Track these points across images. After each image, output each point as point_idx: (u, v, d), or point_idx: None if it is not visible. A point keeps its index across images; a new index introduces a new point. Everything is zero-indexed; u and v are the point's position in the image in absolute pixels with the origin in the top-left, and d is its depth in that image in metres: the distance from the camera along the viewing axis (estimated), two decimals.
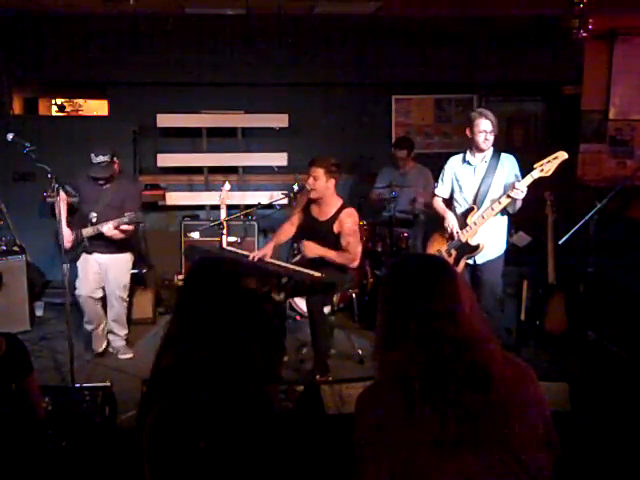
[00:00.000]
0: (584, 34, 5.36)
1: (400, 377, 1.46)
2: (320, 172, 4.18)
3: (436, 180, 4.63)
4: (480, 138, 4.13)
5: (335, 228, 4.21)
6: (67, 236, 4.28)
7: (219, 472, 1.45)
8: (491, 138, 4.15)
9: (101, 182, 4.37)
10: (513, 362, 1.56)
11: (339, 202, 4.31)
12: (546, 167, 3.96)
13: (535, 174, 3.97)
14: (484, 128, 4.11)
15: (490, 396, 1.42)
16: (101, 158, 4.27)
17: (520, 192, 3.98)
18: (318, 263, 4.17)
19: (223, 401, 1.47)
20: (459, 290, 1.52)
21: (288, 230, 4.55)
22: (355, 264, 4.24)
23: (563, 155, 3.94)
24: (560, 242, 4.54)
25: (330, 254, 4.17)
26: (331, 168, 4.20)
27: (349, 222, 4.19)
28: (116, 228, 4.27)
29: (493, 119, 4.13)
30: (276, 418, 1.53)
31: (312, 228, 4.36)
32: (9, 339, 2.27)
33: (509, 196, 4.03)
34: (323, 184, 4.20)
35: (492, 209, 4.14)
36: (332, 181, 4.23)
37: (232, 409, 1.47)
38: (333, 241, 4.20)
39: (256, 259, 4.30)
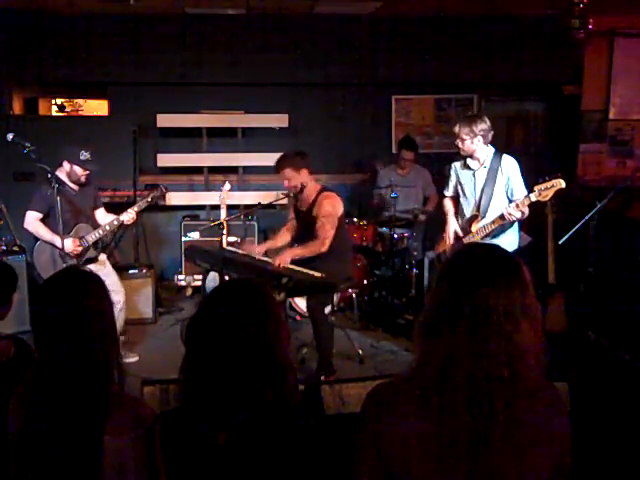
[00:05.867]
0: (584, 34, 5.37)
1: (434, 375, 1.38)
2: (288, 172, 4.25)
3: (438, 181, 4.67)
4: (456, 142, 4.17)
5: (314, 212, 4.28)
6: (69, 242, 4.25)
7: (239, 468, 1.45)
8: (465, 143, 4.12)
9: (82, 182, 4.36)
10: (546, 384, 1.48)
11: (318, 187, 4.38)
12: (543, 193, 3.96)
13: (533, 197, 3.97)
14: (456, 132, 4.14)
15: (512, 421, 1.36)
16: (88, 155, 4.27)
17: (513, 217, 4.02)
18: (317, 263, 4.18)
19: (243, 395, 1.46)
20: (527, 297, 1.41)
21: (284, 235, 4.62)
22: (324, 249, 4.21)
23: (560, 184, 3.92)
24: (560, 242, 4.54)
25: (297, 252, 4.25)
26: (295, 161, 4.26)
27: (325, 204, 4.24)
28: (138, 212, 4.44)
29: (468, 123, 4.10)
30: (293, 413, 1.52)
31: (302, 222, 4.45)
32: (17, 343, 2.27)
33: (503, 218, 4.07)
34: (297, 180, 4.26)
35: (494, 223, 4.16)
36: (303, 171, 4.28)
37: (252, 402, 1.47)
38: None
39: (247, 251, 4.44)
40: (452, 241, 4.35)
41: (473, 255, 1.49)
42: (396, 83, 6.82)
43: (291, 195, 4.44)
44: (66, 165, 4.30)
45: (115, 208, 4.77)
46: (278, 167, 4.30)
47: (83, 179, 4.34)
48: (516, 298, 1.39)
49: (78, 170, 4.29)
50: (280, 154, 4.39)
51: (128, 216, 4.43)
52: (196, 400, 1.50)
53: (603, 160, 6.86)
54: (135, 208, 4.46)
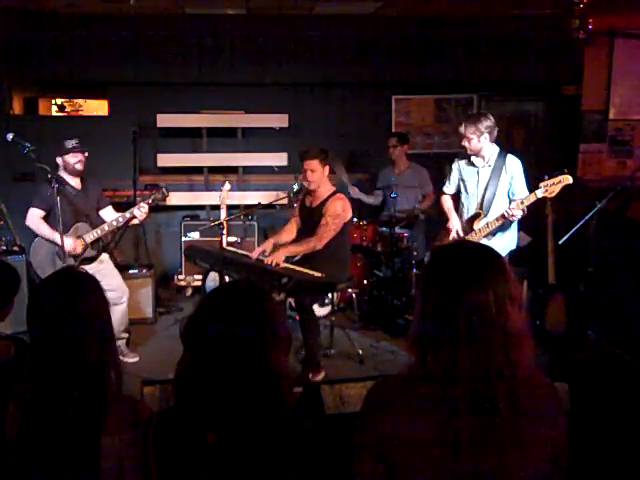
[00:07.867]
0: (584, 34, 5.37)
1: (438, 375, 1.38)
2: (316, 163, 4.31)
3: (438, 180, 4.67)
4: (463, 142, 4.18)
5: (323, 210, 4.32)
6: (70, 241, 4.24)
7: (227, 469, 1.45)
8: (472, 142, 4.12)
9: (80, 170, 4.33)
10: (542, 378, 1.49)
11: (332, 188, 4.46)
12: (550, 189, 3.96)
13: (539, 193, 3.98)
14: (461, 132, 4.16)
15: (514, 413, 1.36)
16: (74, 142, 4.26)
17: (514, 217, 4.04)
18: (317, 264, 4.18)
19: (232, 398, 1.46)
20: (509, 283, 1.43)
21: (289, 231, 4.62)
22: (319, 246, 4.24)
23: (568, 180, 3.94)
24: (560, 242, 4.54)
25: (291, 249, 4.32)
26: (323, 156, 4.35)
27: (336, 204, 4.31)
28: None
29: (474, 122, 4.11)
30: (287, 417, 1.51)
31: (308, 218, 4.46)
32: (17, 343, 2.27)
33: (504, 217, 4.08)
34: (320, 174, 4.34)
35: (496, 220, 4.17)
36: (326, 168, 4.39)
37: (242, 405, 1.46)
38: None
39: (255, 257, 4.35)
40: (459, 237, 4.33)
41: (451, 258, 1.49)
42: (396, 83, 6.82)
43: (291, 195, 4.44)
44: (59, 160, 4.31)
45: (115, 208, 4.77)
46: (308, 156, 4.32)
47: (79, 166, 4.31)
48: (501, 289, 1.40)
49: (70, 159, 4.28)
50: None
51: (141, 211, 4.36)
52: (187, 400, 1.50)
53: (603, 160, 6.86)
54: (149, 201, 4.41)
